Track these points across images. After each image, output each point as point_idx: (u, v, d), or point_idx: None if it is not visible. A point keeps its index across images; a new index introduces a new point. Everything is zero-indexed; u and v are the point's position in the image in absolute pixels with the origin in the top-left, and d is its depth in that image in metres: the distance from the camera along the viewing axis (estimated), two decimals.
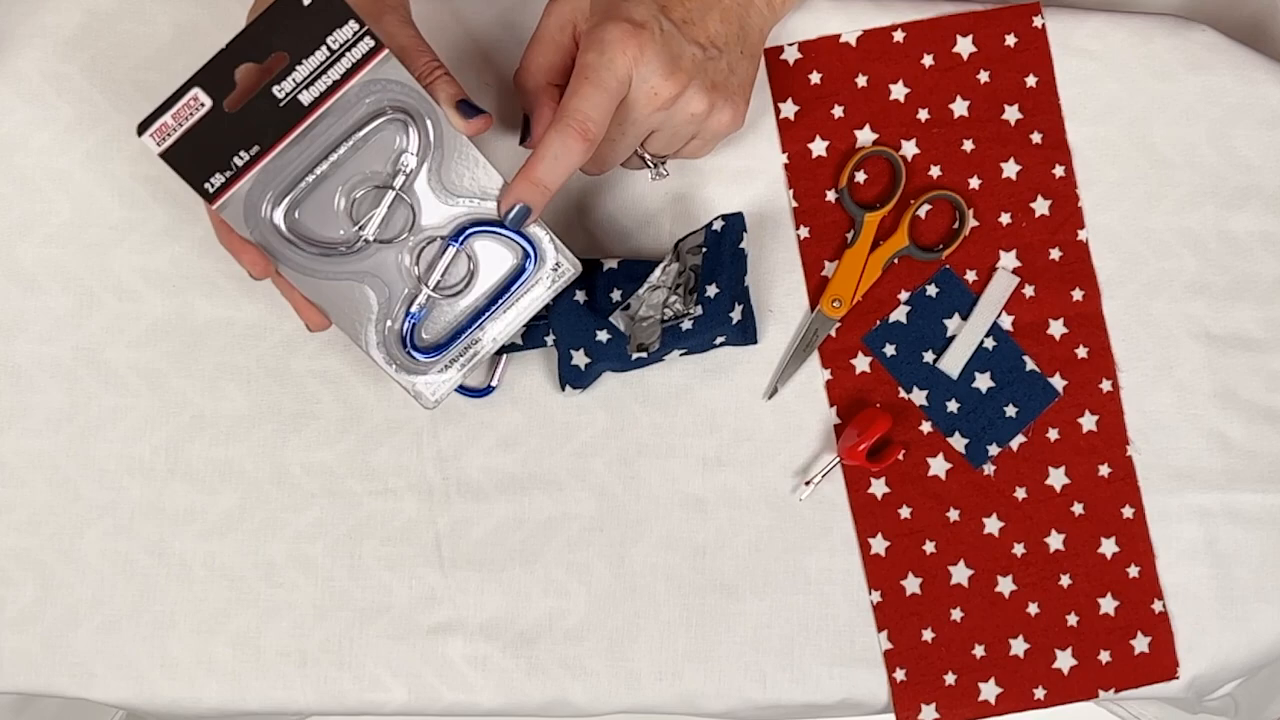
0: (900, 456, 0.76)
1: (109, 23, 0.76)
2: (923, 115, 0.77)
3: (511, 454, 0.76)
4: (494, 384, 0.76)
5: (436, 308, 0.68)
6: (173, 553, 0.75)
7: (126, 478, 0.75)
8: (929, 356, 0.77)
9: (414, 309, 0.67)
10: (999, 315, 0.77)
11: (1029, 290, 0.77)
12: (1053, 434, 0.77)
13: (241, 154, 0.62)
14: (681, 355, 0.75)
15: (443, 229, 0.66)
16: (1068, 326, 0.77)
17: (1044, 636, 0.76)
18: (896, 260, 0.77)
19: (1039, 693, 0.76)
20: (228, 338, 0.75)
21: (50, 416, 0.75)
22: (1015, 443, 0.77)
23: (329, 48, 0.61)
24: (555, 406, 0.76)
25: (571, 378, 0.74)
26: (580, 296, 0.72)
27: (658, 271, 0.72)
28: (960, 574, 0.76)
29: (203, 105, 0.61)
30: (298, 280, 0.65)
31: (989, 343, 0.77)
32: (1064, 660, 0.76)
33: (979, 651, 0.76)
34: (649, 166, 0.71)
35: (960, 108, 0.77)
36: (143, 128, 0.61)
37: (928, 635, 0.76)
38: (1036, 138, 0.77)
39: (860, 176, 0.77)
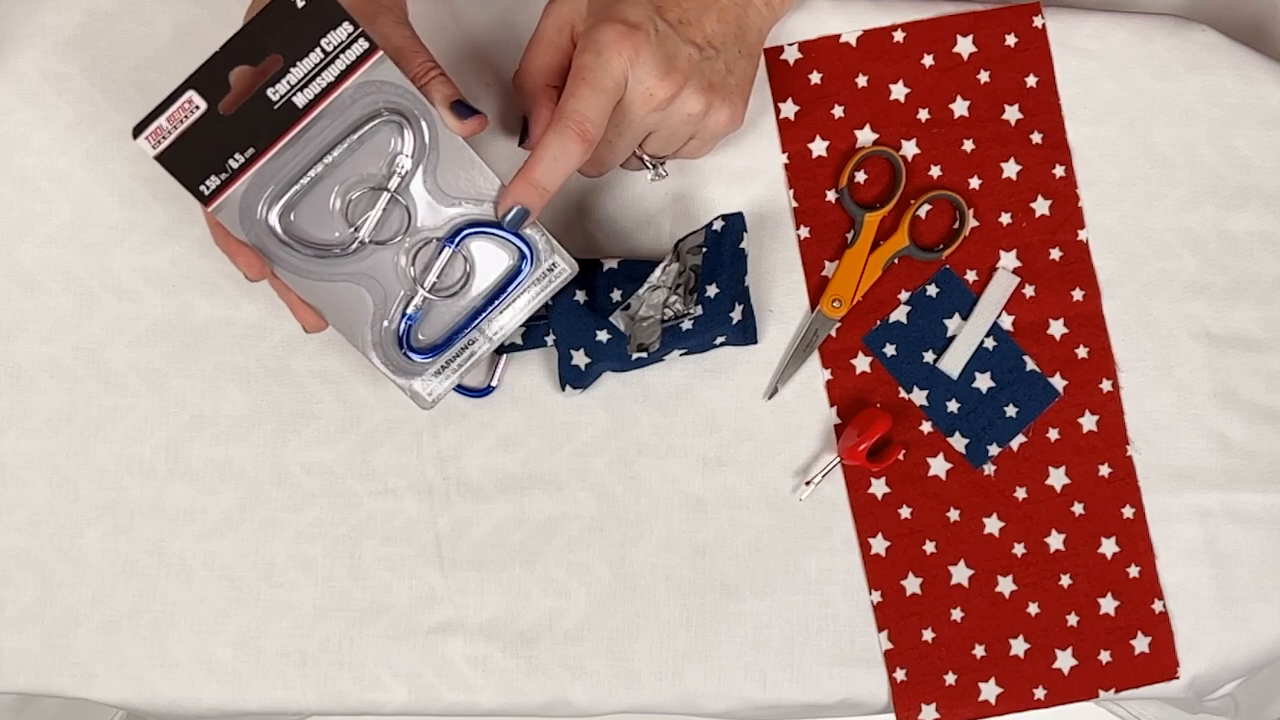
0: (900, 456, 0.76)
1: (109, 23, 0.76)
2: (923, 115, 0.77)
3: (511, 454, 0.76)
4: (494, 384, 0.76)
5: (433, 309, 0.68)
6: (173, 553, 0.75)
7: (126, 478, 0.75)
8: (929, 356, 0.77)
9: (410, 310, 0.67)
10: (999, 315, 0.77)
11: (1029, 290, 0.77)
12: (1053, 434, 0.77)
13: (236, 156, 0.62)
14: (681, 355, 0.75)
15: (438, 230, 0.66)
16: (1068, 326, 0.77)
17: (1044, 636, 0.76)
18: (897, 260, 0.77)
19: (1039, 693, 0.76)
20: (228, 338, 0.75)
21: (50, 416, 0.75)
22: (1015, 443, 0.77)
23: (323, 50, 0.61)
24: (555, 406, 0.76)
25: (571, 378, 0.74)
26: (580, 296, 0.72)
27: (658, 271, 0.72)
28: (960, 574, 0.76)
29: (197, 108, 0.61)
30: (293, 282, 0.65)
31: (989, 343, 0.77)
32: (1064, 660, 0.76)
33: (979, 651, 0.76)
34: (648, 167, 0.71)
35: (960, 108, 0.77)
36: (138, 130, 0.61)
37: (928, 635, 0.76)
38: (1036, 138, 0.77)
39: (860, 176, 0.77)
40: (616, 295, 0.73)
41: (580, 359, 0.73)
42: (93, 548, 0.74)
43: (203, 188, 0.62)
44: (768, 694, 0.76)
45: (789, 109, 0.77)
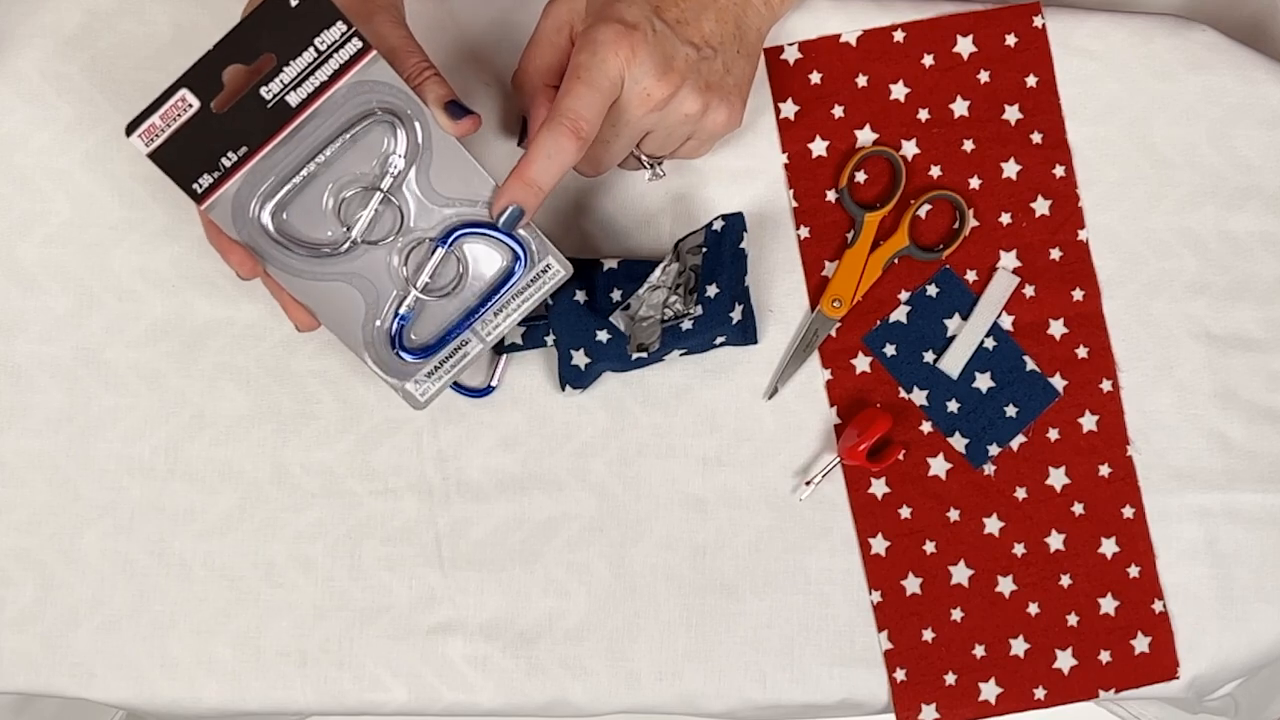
0: (900, 456, 0.76)
1: (109, 23, 0.76)
2: (923, 115, 0.77)
3: (511, 454, 0.76)
4: (494, 384, 0.76)
5: (426, 310, 0.68)
6: (173, 553, 0.75)
7: (126, 478, 0.75)
8: (929, 356, 0.77)
9: (403, 310, 0.67)
10: (999, 315, 0.77)
11: (1029, 290, 0.77)
12: (1053, 434, 0.77)
13: (229, 155, 0.62)
14: (681, 355, 0.75)
15: (432, 230, 0.66)
16: (1068, 326, 0.77)
17: (1044, 636, 0.76)
18: (897, 260, 0.77)
19: (1039, 693, 0.76)
20: (227, 338, 0.75)
21: (50, 416, 0.75)
22: (1015, 443, 0.77)
23: (316, 49, 0.61)
24: (555, 406, 0.76)
25: (571, 378, 0.74)
26: (580, 296, 0.72)
27: (658, 271, 0.72)
28: (960, 574, 0.76)
29: (190, 106, 0.61)
30: (286, 280, 0.65)
31: (989, 343, 0.77)
32: (1064, 660, 0.76)
33: (979, 651, 0.76)
34: (646, 167, 0.71)
35: (960, 108, 0.77)
36: (131, 128, 0.61)
37: (928, 635, 0.76)
38: (1037, 138, 0.77)
39: (860, 176, 0.77)
40: (616, 295, 0.73)
41: (580, 359, 0.73)
42: (93, 548, 0.74)
43: (195, 186, 0.62)
44: (768, 694, 0.76)
45: (789, 109, 0.77)
